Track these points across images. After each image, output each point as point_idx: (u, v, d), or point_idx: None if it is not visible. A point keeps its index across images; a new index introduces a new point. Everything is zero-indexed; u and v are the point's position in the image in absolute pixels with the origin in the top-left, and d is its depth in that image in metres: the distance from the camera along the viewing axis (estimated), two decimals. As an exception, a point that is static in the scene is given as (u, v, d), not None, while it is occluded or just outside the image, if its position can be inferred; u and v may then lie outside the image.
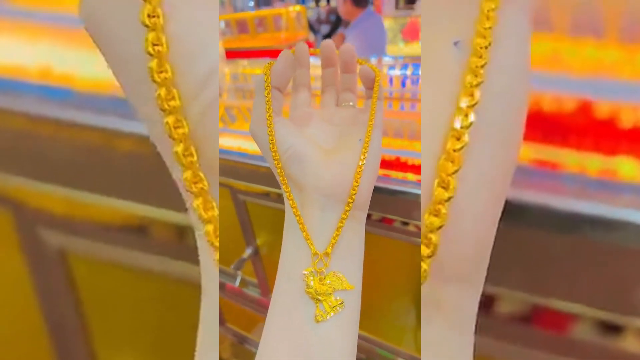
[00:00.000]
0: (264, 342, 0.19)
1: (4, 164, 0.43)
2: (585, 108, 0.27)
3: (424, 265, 0.17)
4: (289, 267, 0.20)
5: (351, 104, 0.25)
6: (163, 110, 0.17)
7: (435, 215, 0.17)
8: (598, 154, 0.27)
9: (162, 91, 0.17)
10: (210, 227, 0.18)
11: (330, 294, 0.19)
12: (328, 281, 0.19)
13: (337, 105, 0.26)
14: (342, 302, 0.19)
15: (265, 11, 0.73)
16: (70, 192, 0.42)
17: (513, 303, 0.31)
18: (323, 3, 0.77)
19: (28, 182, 0.43)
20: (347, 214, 0.20)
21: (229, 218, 0.49)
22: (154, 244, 0.41)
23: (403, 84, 0.54)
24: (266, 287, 0.54)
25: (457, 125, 0.18)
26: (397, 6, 0.73)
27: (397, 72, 0.54)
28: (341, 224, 0.20)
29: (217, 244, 0.19)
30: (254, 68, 0.56)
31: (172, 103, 0.17)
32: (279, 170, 0.21)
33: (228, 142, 0.48)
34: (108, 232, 0.43)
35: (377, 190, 0.37)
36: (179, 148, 0.18)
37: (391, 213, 0.36)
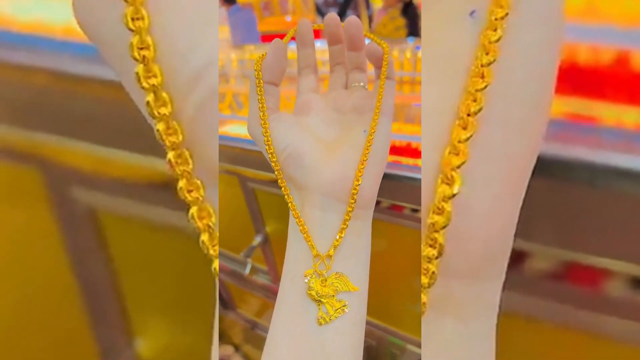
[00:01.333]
0: (269, 344, 0.19)
1: (32, 121, 0.43)
2: (622, 59, 0.25)
3: (431, 267, 0.16)
4: (292, 268, 0.19)
5: (362, 84, 0.23)
6: (153, 117, 0.16)
7: (439, 214, 0.15)
8: (635, 107, 0.25)
9: (151, 97, 0.16)
10: (205, 237, 0.17)
11: (333, 295, 0.18)
12: (330, 283, 0.18)
13: (347, 87, 0.23)
14: (346, 304, 0.18)
15: (271, -6, 0.71)
16: (98, 149, 0.42)
17: (546, 259, 0.30)
18: (331, -16, 0.75)
19: (57, 139, 0.43)
20: (350, 214, 0.18)
21: (239, 206, 0.49)
22: (179, 200, 0.42)
23: (414, 67, 0.53)
24: (276, 274, 0.54)
25: (464, 111, 0.15)
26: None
27: (408, 54, 0.52)
28: (344, 225, 0.19)
29: (214, 252, 0.18)
30: (262, 52, 0.55)
31: (162, 110, 0.16)
32: (277, 171, 0.20)
33: (236, 129, 0.48)
34: (136, 189, 0.42)
35: (387, 177, 0.37)
36: (172, 155, 0.17)
37: (401, 200, 0.35)
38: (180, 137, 0.17)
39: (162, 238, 0.45)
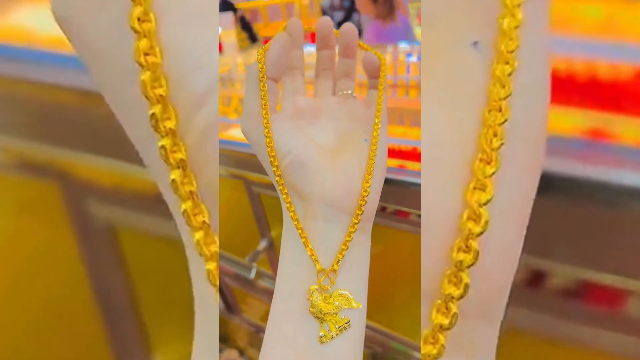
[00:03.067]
0: (266, 359, 0.18)
1: (51, 136, 0.43)
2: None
3: (452, 307, 0.15)
4: (289, 283, 0.18)
5: (350, 92, 0.22)
6: (158, 131, 0.14)
7: (466, 252, 0.15)
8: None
9: (157, 109, 0.14)
10: (212, 266, 0.15)
11: (336, 313, 0.17)
12: (333, 300, 0.17)
13: (334, 94, 0.22)
14: (349, 322, 0.17)
15: (278, -1, 0.72)
16: (115, 164, 0.42)
17: (565, 278, 0.29)
18: (337, -11, 0.75)
19: (75, 154, 0.43)
20: (355, 227, 0.17)
21: (244, 210, 0.49)
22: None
23: (420, 71, 0.53)
24: (281, 279, 0.54)
25: (487, 146, 0.15)
26: (413, -10, 0.70)
27: (414, 59, 0.52)
28: (348, 238, 0.18)
29: (217, 283, 0.17)
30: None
31: (168, 124, 0.14)
32: (277, 178, 0.18)
33: (242, 133, 0.48)
34: (153, 203, 0.42)
35: (392, 182, 0.37)
36: (176, 175, 0.15)
37: (407, 205, 0.35)
38: (186, 155, 0.15)
39: (179, 252, 0.45)
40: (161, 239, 0.45)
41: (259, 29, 0.71)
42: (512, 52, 0.15)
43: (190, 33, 0.15)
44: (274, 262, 0.53)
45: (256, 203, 0.48)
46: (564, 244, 0.28)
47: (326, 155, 0.19)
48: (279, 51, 0.19)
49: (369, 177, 0.18)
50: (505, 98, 0.15)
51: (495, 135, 0.15)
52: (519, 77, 0.15)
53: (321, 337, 0.17)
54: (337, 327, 0.17)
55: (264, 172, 0.45)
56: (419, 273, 0.16)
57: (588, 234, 0.27)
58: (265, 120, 0.19)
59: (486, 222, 0.15)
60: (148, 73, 0.14)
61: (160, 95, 0.14)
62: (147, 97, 0.14)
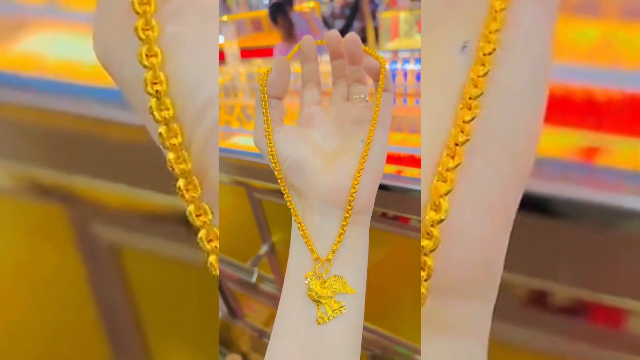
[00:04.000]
0: (272, 343, 0.20)
1: (58, 161, 0.45)
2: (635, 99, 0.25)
3: (422, 289, 0.16)
4: (293, 270, 0.20)
5: (362, 96, 0.24)
6: (165, 147, 0.18)
7: (428, 238, 0.16)
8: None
9: (163, 129, 0.17)
10: (213, 258, 0.18)
11: (332, 297, 0.19)
12: (329, 285, 0.19)
13: (348, 99, 0.24)
14: (344, 305, 0.19)
15: (279, 8, 0.73)
16: (120, 187, 0.44)
17: (566, 298, 0.30)
18: (337, -2, 0.76)
19: (81, 178, 0.45)
20: (347, 220, 0.20)
21: (246, 216, 0.50)
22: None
23: (418, 78, 0.53)
24: (282, 282, 0.54)
25: (452, 141, 0.16)
26: (412, -2, 0.71)
27: (411, 66, 0.53)
28: (342, 230, 0.20)
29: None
30: (269, 67, 0.57)
31: (173, 140, 0.17)
32: (280, 179, 0.21)
33: (244, 141, 0.49)
34: (156, 225, 0.44)
35: (392, 189, 0.37)
36: (181, 183, 0.18)
37: (407, 211, 0.36)
38: (189, 166, 0.18)
39: (182, 272, 0.46)
40: (165, 260, 0.46)
41: (261, 38, 0.73)
42: (489, 54, 0.16)
43: (192, 60, 0.17)
44: (275, 266, 0.53)
45: (257, 209, 0.49)
46: (565, 264, 0.29)
47: (322, 157, 0.21)
48: (277, 74, 0.22)
49: (358, 175, 0.20)
50: (476, 97, 0.16)
51: (462, 131, 0.16)
52: (497, 78, 0.16)
53: (318, 319, 0.19)
54: (332, 310, 0.19)
55: (265, 179, 0.46)
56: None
57: (588, 255, 0.28)
58: (267, 133, 0.21)
59: (445, 211, 0.16)
60: (154, 100, 0.17)
61: (165, 117, 0.17)
62: (154, 120, 0.17)
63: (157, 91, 0.17)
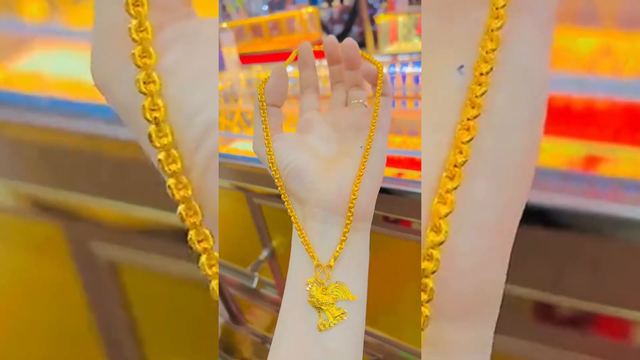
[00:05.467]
0: (273, 350, 0.20)
1: (57, 179, 0.46)
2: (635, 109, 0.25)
3: (424, 311, 0.16)
4: (295, 277, 0.20)
5: (361, 101, 0.24)
6: (164, 173, 0.17)
7: (429, 260, 0.16)
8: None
9: (162, 155, 0.17)
10: (215, 283, 0.18)
11: (333, 303, 0.19)
12: (330, 291, 0.19)
13: (347, 104, 0.25)
14: (345, 312, 0.19)
15: (278, 15, 0.74)
16: (117, 204, 0.44)
17: (572, 310, 0.30)
18: (336, 2, 0.77)
19: (79, 196, 0.46)
20: (348, 227, 0.19)
21: (245, 221, 0.50)
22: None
23: (416, 81, 0.54)
24: (282, 287, 0.54)
25: (451, 163, 0.16)
26: (410, 2, 0.72)
27: (410, 69, 0.53)
28: (343, 237, 0.19)
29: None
30: (268, 73, 0.57)
31: (172, 167, 0.17)
32: (280, 187, 0.21)
33: (244, 147, 0.49)
34: (153, 242, 0.44)
35: (393, 192, 0.37)
36: (182, 209, 0.18)
37: (407, 214, 0.36)
38: (190, 192, 0.18)
39: (180, 288, 0.46)
40: (163, 276, 0.46)
41: (261, 44, 0.73)
42: (486, 74, 0.16)
43: (191, 87, 0.18)
44: (275, 271, 0.53)
45: (257, 214, 0.49)
46: (567, 276, 0.29)
47: (322, 164, 0.21)
48: (274, 82, 0.22)
49: (358, 181, 0.20)
50: (474, 118, 0.16)
51: (460, 152, 0.16)
52: (495, 98, 0.16)
53: (319, 325, 0.19)
54: (334, 316, 0.19)
55: (265, 185, 0.46)
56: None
57: (590, 266, 0.28)
58: (266, 141, 0.21)
59: (445, 233, 0.16)
60: (153, 127, 0.17)
61: (164, 144, 0.17)
62: (153, 146, 0.17)
63: (155, 118, 0.17)
